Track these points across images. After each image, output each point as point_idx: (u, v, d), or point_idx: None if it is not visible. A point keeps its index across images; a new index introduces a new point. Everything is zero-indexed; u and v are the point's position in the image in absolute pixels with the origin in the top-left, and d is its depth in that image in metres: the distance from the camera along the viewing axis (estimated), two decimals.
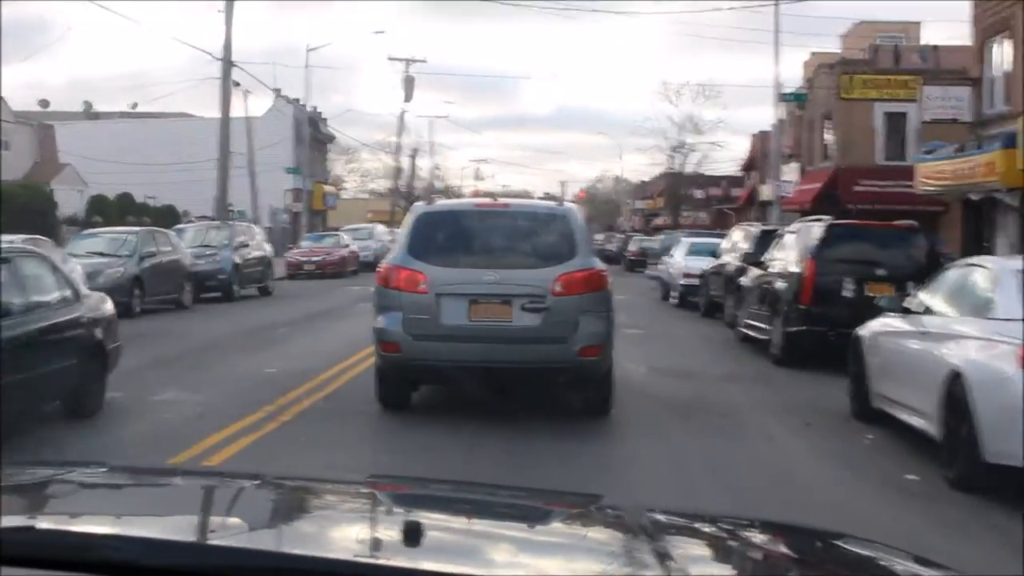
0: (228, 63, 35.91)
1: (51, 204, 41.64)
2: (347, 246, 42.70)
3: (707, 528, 2.54)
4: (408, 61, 72.16)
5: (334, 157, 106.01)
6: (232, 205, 67.70)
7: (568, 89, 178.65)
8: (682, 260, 26.77)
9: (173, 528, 2.15)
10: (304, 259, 40.63)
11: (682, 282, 25.93)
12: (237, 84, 37.29)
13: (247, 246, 28.13)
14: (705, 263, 25.17)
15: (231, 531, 2.19)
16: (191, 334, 18.87)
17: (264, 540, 2.11)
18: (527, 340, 9.97)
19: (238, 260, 27.21)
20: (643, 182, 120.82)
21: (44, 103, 77.67)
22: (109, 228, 27.02)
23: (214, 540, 2.08)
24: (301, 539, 2.19)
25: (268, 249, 30.47)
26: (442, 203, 12.86)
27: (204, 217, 66.57)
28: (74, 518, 2.19)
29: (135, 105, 77.17)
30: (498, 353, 9.97)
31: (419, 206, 11.22)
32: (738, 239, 22.19)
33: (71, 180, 55.77)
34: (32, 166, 55.16)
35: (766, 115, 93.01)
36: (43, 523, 2.06)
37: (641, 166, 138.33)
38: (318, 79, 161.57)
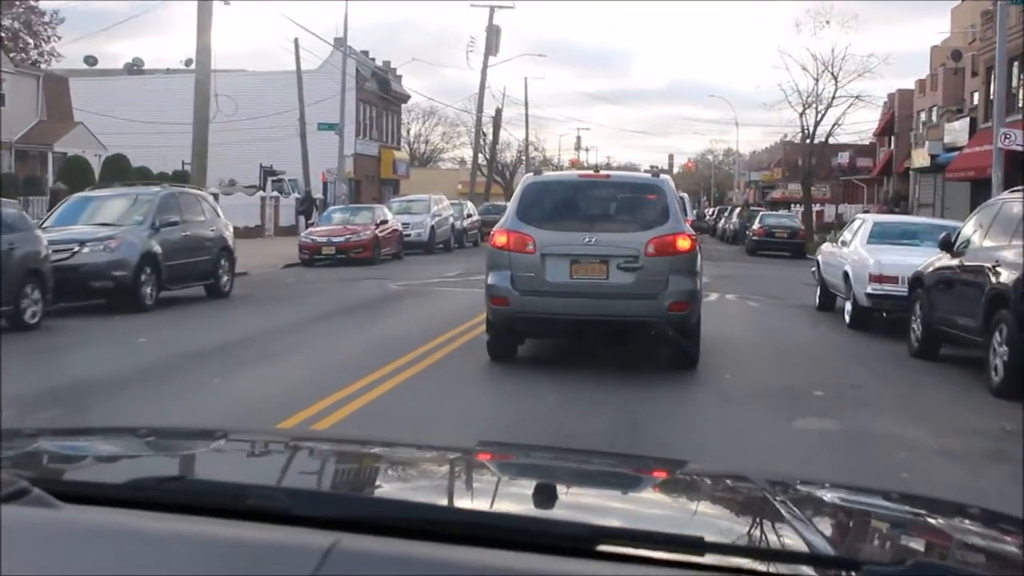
0: None
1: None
2: (384, 222, 32.79)
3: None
4: (493, 7, 61.96)
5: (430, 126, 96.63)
6: (284, 174, 59.02)
7: (681, 61, 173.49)
8: (866, 252, 16.22)
9: (309, 483, 2.35)
10: (323, 240, 30.93)
11: (870, 289, 15.44)
12: None
13: (176, 224, 18.31)
14: (909, 258, 14.79)
15: (361, 486, 2.44)
16: None
17: (398, 494, 2.27)
18: (622, 296, 10.89)
19: (155, 247, 17.43)
20: (755, 152, 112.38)
21: (91, 60, 69.31)
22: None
23: (352, 493, 2.27)
24: (428, 496, 2.32)
25: (224, 230, 20.61)
26: (549, 174, 13.75)
27: (252, 187, 58.06)
28: (218, 470, 2.50)
29: (136, 62, 68.24)
30: (596, 307, 10.94)
31: (528, 176, 12.54)
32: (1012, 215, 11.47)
33: (83, 141, 46.86)
34: (36, 124, 46.36)
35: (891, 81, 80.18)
36: (194, 474, 2.41)
37: (754, 138, 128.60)
38: (404, 43, 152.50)
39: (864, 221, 17.67)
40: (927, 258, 13.74)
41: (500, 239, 11.38)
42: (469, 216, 46.26)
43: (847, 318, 16.65)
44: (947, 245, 12.83)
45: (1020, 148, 24.29)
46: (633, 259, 10.87)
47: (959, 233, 12.94)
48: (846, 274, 16.73)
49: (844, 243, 18.13)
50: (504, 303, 11.17)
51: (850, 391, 11.00)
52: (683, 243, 11.08)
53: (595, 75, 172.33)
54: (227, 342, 14.17)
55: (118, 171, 37.20)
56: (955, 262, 12.42)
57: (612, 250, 10.94)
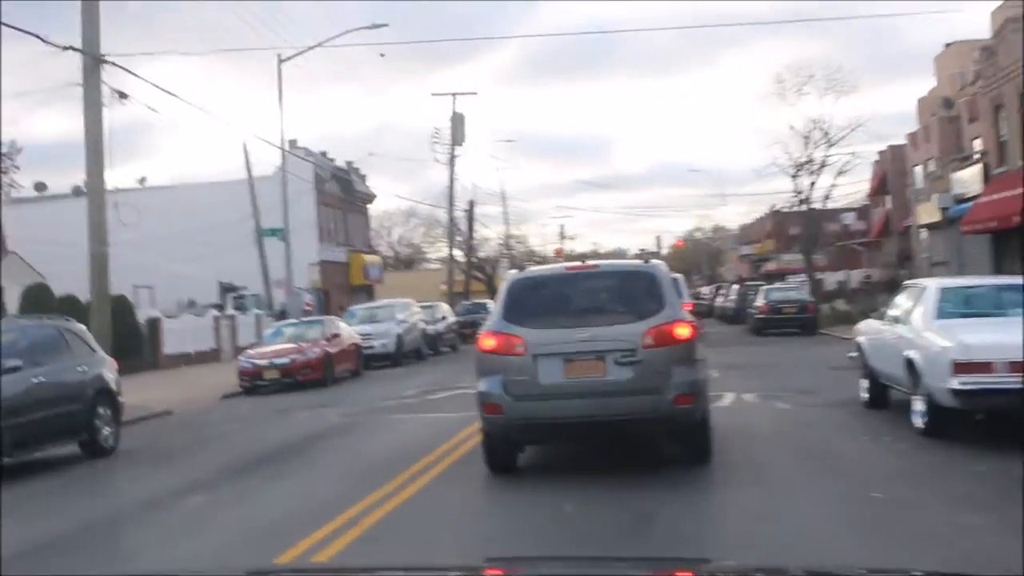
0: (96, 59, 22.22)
1: None
2: (337, 335, 28.41)
3: None
4: (455, 95, 58.45)
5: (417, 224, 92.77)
6: (245, 289, 54.68)
7: (661, 145, 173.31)
8: (939, 331, 11.91)
9: None
10: (263, 363, 26.50)
11: (955, 383, 11.07)
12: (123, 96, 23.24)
13: (18, 370, 13.83)
14: (1002, 334, 10.57)
15: None
16: None
17: None
18: (622, 393, 10.33)
19: None
20: (744, 226, 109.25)
21: (40, 186, 65.45)
22: None
23: None
24: None
25: (104, 369, 16.22)
26: (533, 269, 13.09)
27: (214, 305, 53.66)
28: None
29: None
30: (595, 407, 10.37)
31: (512, 273, 11.92)
32: None
33: (15, 272, 42.60)
34: None
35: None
36: None
37: (742, 211, 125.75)
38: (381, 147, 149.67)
39: (925, 288, 13.21)
40: None
41: (487, 342, 10.86)
42: (443, 319, 41.93)
43: (919, 422, 12.24)
44: None
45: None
46: (631, 352, 10.35)
47: None
48: (910, 363, 12.36)
49: (897, 319, 13.81)
50: (497, 411, 10.64)
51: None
52: (682, 331, 10.55)
53: (575, 164, 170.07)
54: (56, 535, 9.74)
55: (38, 302, 32.93)
56: None
57: (607, 344, 10.42)
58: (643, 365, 10.33)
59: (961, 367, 11.00)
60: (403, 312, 36.38)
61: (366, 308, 37.81)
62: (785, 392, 17.90)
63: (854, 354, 15.95)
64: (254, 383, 26.37)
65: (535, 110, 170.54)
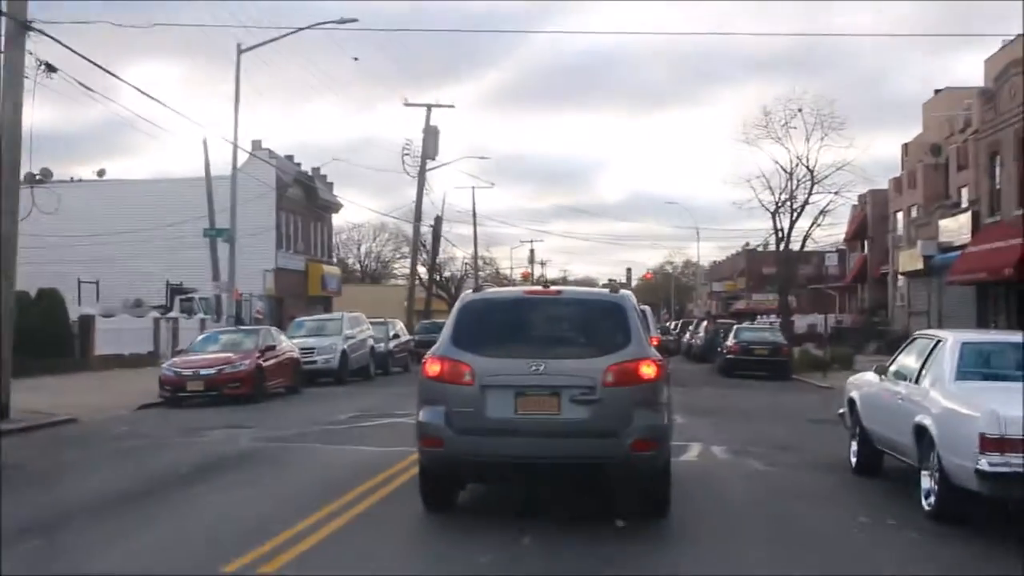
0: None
1: None
2: (271, 348, 26.06)
3: None
4: (429, 107, 56.26)
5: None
6: (196, 291, 51.96)
7: (641, 177, 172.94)
8: (962, 396, 9.79)
9: None
10: (188, 373, 24.08)
11: (983, 463, 8.93)
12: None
13: None
14: None
15: None
16: None
17: None
18: (577, 434, 9.45)
19: None
20: (716, 262, 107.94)
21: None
22: None
23: None
24: None
25: None
26: (490, 291, 11.67)
27: (160, 307, 50.96)
28: None
29: (44, 173, 62.25)
30: (546, 448, 9.48)
31: (466, 294, 10.80)
32: None
33: None
34: None
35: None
36: None
37: (714, 249, 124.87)
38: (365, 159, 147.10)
39: (942, 342, 10.99)
40: None
41: (432, 368, 9.90)
42: (396, 337, 39.57)
43: (927, 504, 10.08)
44: None
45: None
46: (589, 390, 9.46)
47: None
48: (921, 431, 10.21)
49: (901, 375, 11.67)
50: (437, 444, 9.69)
51: None
52: (648, 370, 9.63)
53: (552, 190, 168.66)
54: None
55: None
56: None
57: (565, 380, 9.52)
58: (602, 405, 9.40)
59: (991, 443, 8.84)
60: (352, 327, 34.06)
61: (314, 320, 35.45)
62: (760, 447, 15.71)
63: (844, 411, 13.79)
64: (176, 394, 23.96)
65: (519, 134, 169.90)
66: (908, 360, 11.77)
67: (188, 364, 24.45)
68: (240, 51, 32.40)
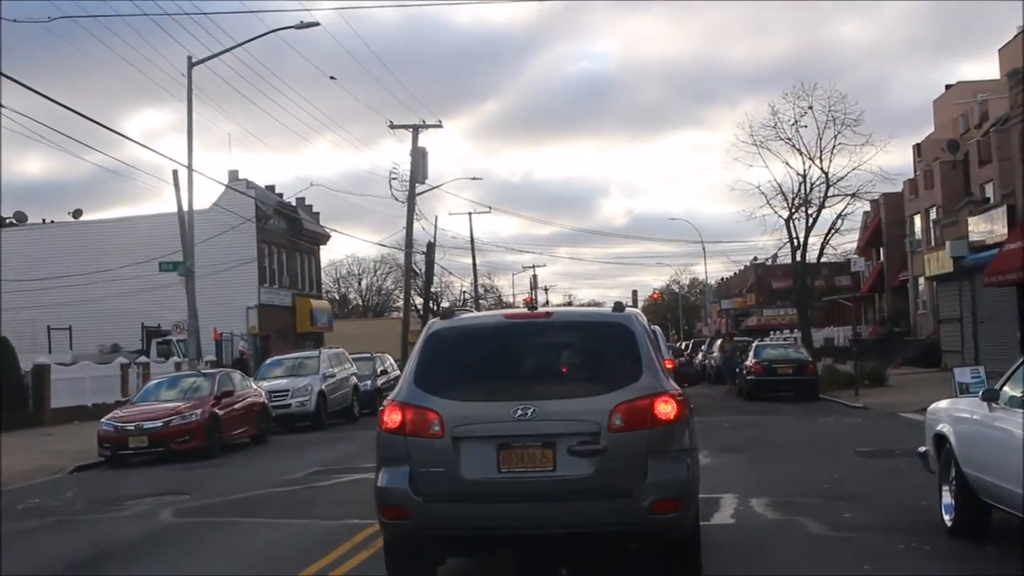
0: None
1: None
2: (229, 393, 22.79)
3: None
4: (416, 127, 53.08)
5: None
6: (176, 331, 48.71)
7: (643, 198, 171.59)
8: None
9: None
10: (130, 427, 20.85)
11: None
12: None
13: None
14: None
15: None
16: None
17: None
18: (577, 496, 7.45)
19: None
20: (724, 279, 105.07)
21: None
22: None
23: None
24: None
25: None
26: (464, 316, 9.02)
27: (137, 351, 47.70)
28: None
29: (19, 216, 59.66)
30: (538, 515, 7.50)
31: (433, 322, 8.63)
32: None
33: None
34: None
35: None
36: None
37: (720, 267, 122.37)
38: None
39: None
40: None
41: (391, 418, 7.72)
42: (384, 373, 36.25)
43: None
44: None
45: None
46: (592, 438, 7.43)
47: None
48: None
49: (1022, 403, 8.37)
50: (402, 515, 7.55)
51: None
52: (665, 408, 7.51)
53: (556, 216, 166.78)
54: None
55: None
56: None
57: (559, 426, 7.48)
58: (608, 456, 7.48)
59: None
60: (332, 364, 30.85)
61: (290, 358, 32.15)
62: (812, 497, 12.33)
63: (927, 448, 10.46)
64: (117, 452, 20.73)
65: (519, 162, 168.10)
66: None
67: (130, 417, 21.23)
68: (191, 64, 29.27)
